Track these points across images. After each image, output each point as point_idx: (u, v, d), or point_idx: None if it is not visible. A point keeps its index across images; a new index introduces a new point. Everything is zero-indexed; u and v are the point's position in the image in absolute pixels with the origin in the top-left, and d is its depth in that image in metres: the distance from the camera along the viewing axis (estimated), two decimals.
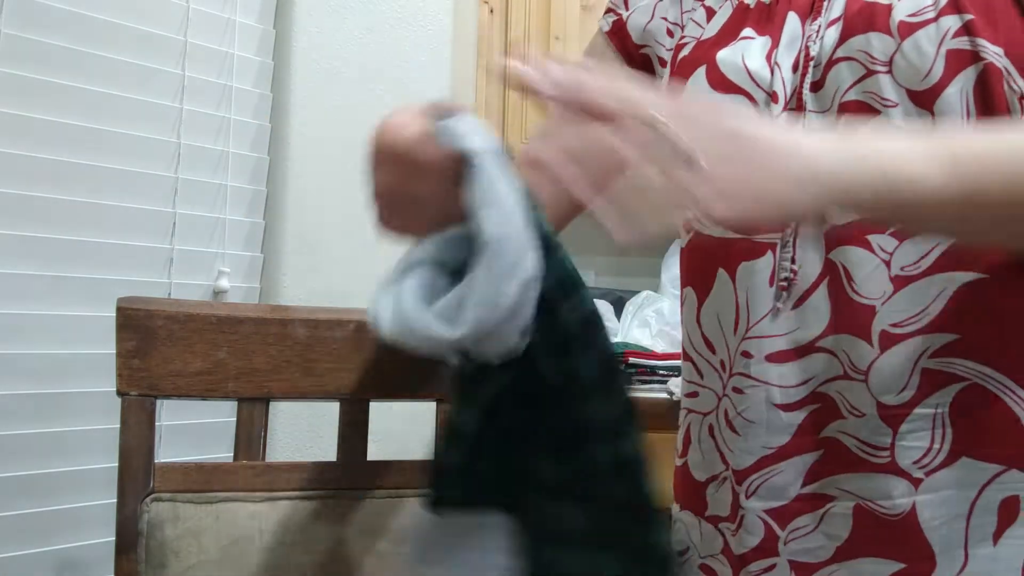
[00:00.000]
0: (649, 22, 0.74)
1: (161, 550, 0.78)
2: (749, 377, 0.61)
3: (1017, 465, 0.55)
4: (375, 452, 0.87)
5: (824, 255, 0.58)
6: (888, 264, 0.56)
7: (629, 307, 1.77)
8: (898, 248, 0.56)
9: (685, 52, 0.68)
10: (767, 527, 0.60)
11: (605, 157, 0.45)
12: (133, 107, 1.32)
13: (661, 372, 1.54)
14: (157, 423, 0.81)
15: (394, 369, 0.86)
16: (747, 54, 0.62)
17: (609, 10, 0.78)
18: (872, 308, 0.56)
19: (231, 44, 1.44)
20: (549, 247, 0.50)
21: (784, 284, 0.59)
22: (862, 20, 0.57)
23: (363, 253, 1.55)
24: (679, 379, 0.74)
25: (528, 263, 0.47)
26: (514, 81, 0.49)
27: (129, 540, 0.78)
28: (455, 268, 0.52)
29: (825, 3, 0.60)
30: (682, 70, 0.66)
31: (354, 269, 1.53)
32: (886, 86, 0.56)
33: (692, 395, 0.68)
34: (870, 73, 0.57)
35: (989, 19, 0.54)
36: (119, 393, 0.79)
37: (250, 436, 0.82)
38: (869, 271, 0.56)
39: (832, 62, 0.58)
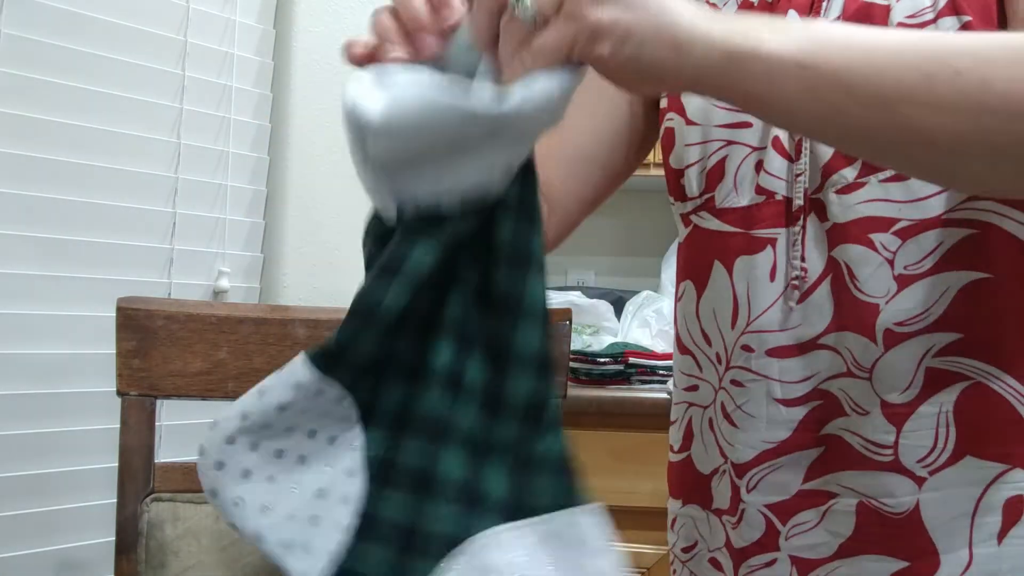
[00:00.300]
0: None
1: (161, 550, 0.78)
2: (750, 371, 0.61)
3: (1021, 464, 0.55)
4: None
5: (827, 252, 0.58)
6: (891, 263, 0.56)
7: (629, 307, 1.77)
8: (901, 247, 0.56)
9: None
10: (768, 522, 0.60)
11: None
12: (133, 107, 1.31)
13: (661, 372, 1.54)
14: (157, 423, 0.81)
15: None
16: None
17: None
18: (876, 306, 0.56)
19: (231, 44, 1.44)
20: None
21: (795, 283, 0.59)
22: (860, 20, 0.58)
23: (363, 253, 1.55)
24: None
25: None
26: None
27: (129, 540, 0.78)
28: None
29: (824, 2, 0.60)
30: None
31: (354, 269, 1.53)
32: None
33: (692, 388, 0.68)
34: None
35: (987, 20, 0.54)
36: (119, 393, 0.79)
37: None
38: (872, 269, 0.57)
39: None
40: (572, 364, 1.51)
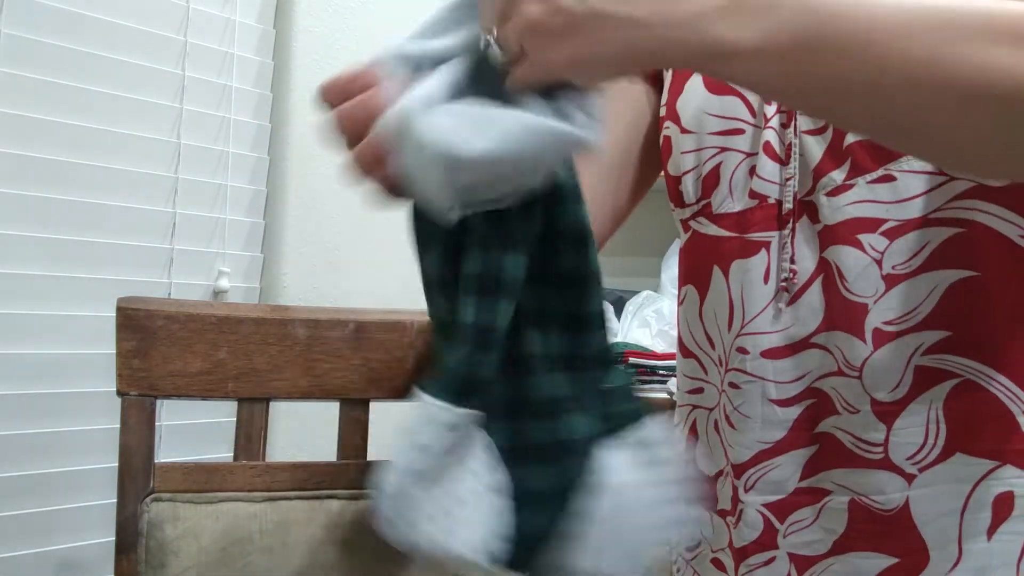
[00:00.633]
0: None
1: (161, 550, 0.78)
2: (745, 373, 0.61)
3: (1011, 461, 0.55)
4: (375, 452, 0.87)
5: (818, 254, 0.59)
6: (879, 263, 0.57)
7: (629, 307, 1.77)
8: (889, 247, 0.56)
9: None
10: (766, 520, 0.61)
11: None
12: (133, 107, 1.32)
13: (661, 372, 1.54)
14: (157, 423, 0.81)
15: (394, 369, 0.86)
16: None
17: None
18: (865, 306, 0.57)
19: (231, 44, 1.45)
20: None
21: (784, 285, 0.59)
22: None
23: (363, 253, 1.55)
24: None
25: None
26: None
27: (129, 540, 0.78)
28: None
29: None
30: (681, 73, 0.67)
31: (354, 269, 1.53)
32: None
33: (697, 391, 0.68)
34: None
35: None
36: (119, 393, 0.79)
37: (250, 436, 0.82)
38: (861, 270, 0.57)
39: None
40: None
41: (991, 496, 0.55)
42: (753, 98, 0.62)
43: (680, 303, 0.71)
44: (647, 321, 1.72)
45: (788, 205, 0.60)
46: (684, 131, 0.65)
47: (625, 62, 0.43)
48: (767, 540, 0.61)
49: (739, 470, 0.62)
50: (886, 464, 0.57)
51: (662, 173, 0.71)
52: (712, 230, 0.64)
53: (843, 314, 0.58)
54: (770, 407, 0.60)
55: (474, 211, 0.49)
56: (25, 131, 1.21)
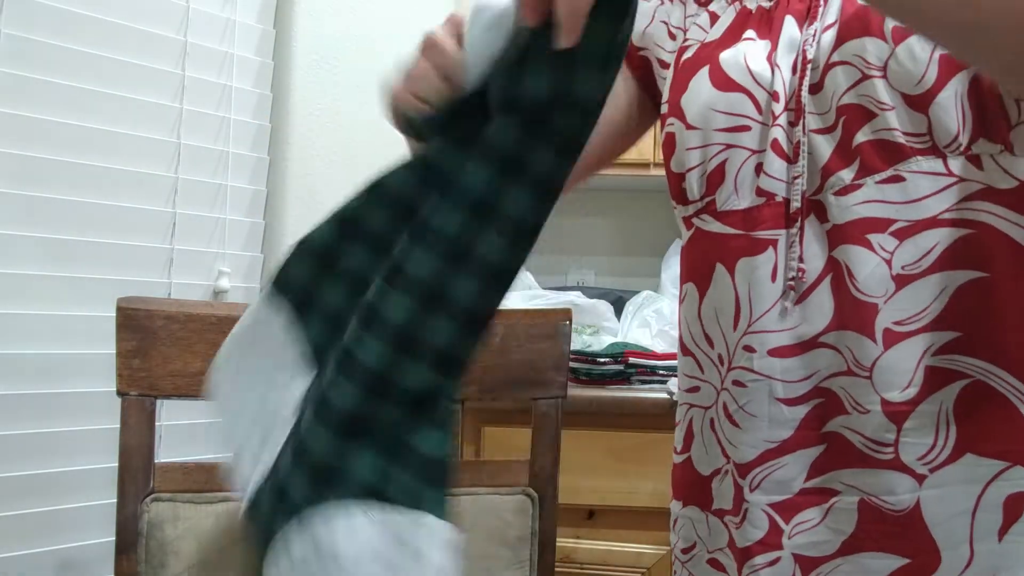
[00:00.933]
0: (648, 25, 0.75)
1: (161, 550, 0.78)
2: (751, 371, 0.61)
3: (1021, 462, 0.55)
4: None
5: (827, 253, 0.59)
6: (889, 263, 0.57)
7: (629, 307, 1.77)
8: (898, 247, 0.56)
9: (688, 54, 0.68)
10: (771, 520, 0.61)
11: None
12: (133, 107, 1.31)
13: (661, 372, 1.54)
14: (157, 423, 0.81)
15: None
16: (749, 55, 0.62)
17: None
18: (875, 306, 0.57)
19: (231, 44, 1.44)
20: None
21: (792, 283, 0.59)
22: (857, 25, 0.58)
23: None
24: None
25: None
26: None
27: (129, 540, 0.78)
28: None
29: (820, 8, 0.61)
30: (685, 71, 0.67)
31: None
32: (881, 90, 0.57)
33: (693, 390, 0.68)
34: (865, 77, 0.57)
35: None
36: (119, 393, 0.79)
37: None
38: (870, 269, 0.57)
39: (829, 66, 0.59)
40: (572, 364, 1.51)
41: (1002, 497, 0.55)
42: (760, 95, 0.62)
43: (681, 301, 0.70)
44: (647, 321, 1.72)
45: (796, 204, 0.59)
46: (689, 127, 0.65)
47: None
48: (772, 540, 0.61)
49: (744, 469, 0.62)
50: (897, 464, 0.56)
51: (663, 169, 0.71)
52: (716, 227, 0.64)
53: (853, 314, 0.58)
54: (777, 406, 0.60)
55: None
56: (25, 131, 1.21)
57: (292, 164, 1.49)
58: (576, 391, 1.44)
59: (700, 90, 0.64)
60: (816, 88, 0.60)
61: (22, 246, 1.21)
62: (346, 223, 0.58)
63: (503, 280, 0.49)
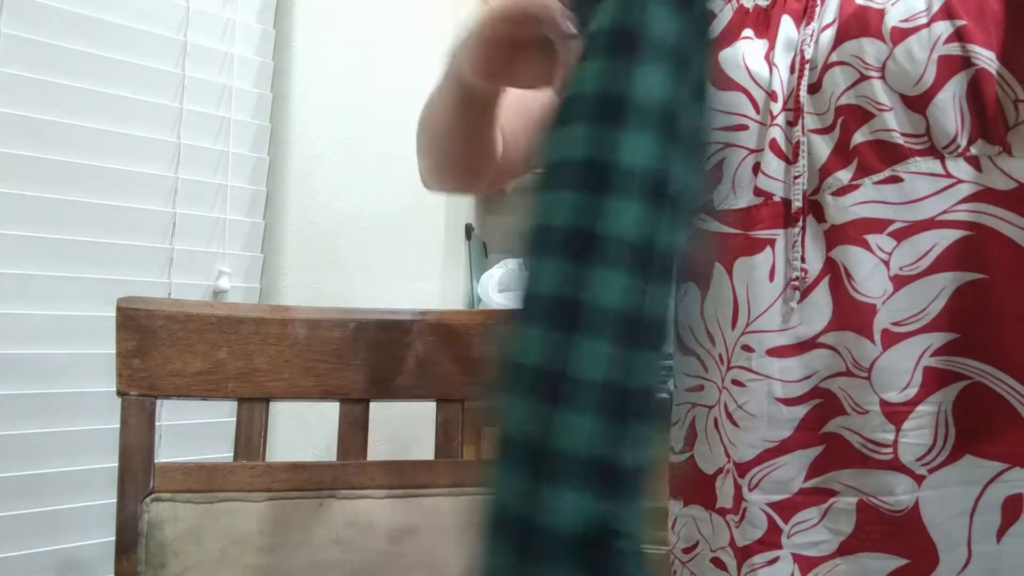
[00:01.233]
0: None
1: (161, 550, 0.78)
2: (750, 371, 0.61)
3: (1021, 463, 0.55)
4: (375, 452, 0.87)
5: (825, 254, 0.59)
6: (887, 264, 0.57)
7: None
8: (896, 248, 0.56)
9: None
10: (770, 520, 0.61)
11: None
12: (133, 107, 1.31)
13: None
14: (157, 423, 0.81)
15: (394, 369, 0.86)
16: (747, 54, 0.62)
17: None
18: (873, 306, 0.57)
19: (231, 44, 1.44)
20: None
21: (796, 284, 0.59)
22: (855, 25, 0.58)
23: (363, 253, 1.55)
24: None
25: None
26: None
27: (129, 540, 0.78)
28: None
29: (818, 8, 0.61)
30: None
31: (354, 269, 1.53)
32: (879, 91, 0.57)
33: (696, 388, 0.68)
34: (864, 78, 0.57)
35: (981, 24, 0.55)
36: (119, 393, 0.79)
37: (250, 436, 0.82)
38: (868, 270, 0.57)
39: (827, 66, 0.59)
40: None
41: (1001, 498, 0.55)
42: (758, 94, 0.62)
43: (679, 301, 0.70)
44: None
45: (797, 203, 0.59)
46: None
47: None
48: (771, 539, 0.61)
49: (743, 468, 0.62)
50: (896, 465, 0.56)
51: None
52: (714, 226, 0.64)
53: (851, 314, 0.58)
54: (776, 406, 0.60)
55: None
56: (25, 131, 1.21)
57: (292, 164, 1.49)
58: None
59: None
60: (814, 88, 0.60)
61: (22, 246, 1.20)
62: None
63: None
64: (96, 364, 1.24)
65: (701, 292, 0.66)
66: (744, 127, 0.62)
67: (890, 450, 0.57)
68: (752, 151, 0.62)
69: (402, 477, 0.85)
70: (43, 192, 1.22)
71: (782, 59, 0.61)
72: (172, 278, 1.36)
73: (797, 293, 0.59)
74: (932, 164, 0.56)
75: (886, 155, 0.57)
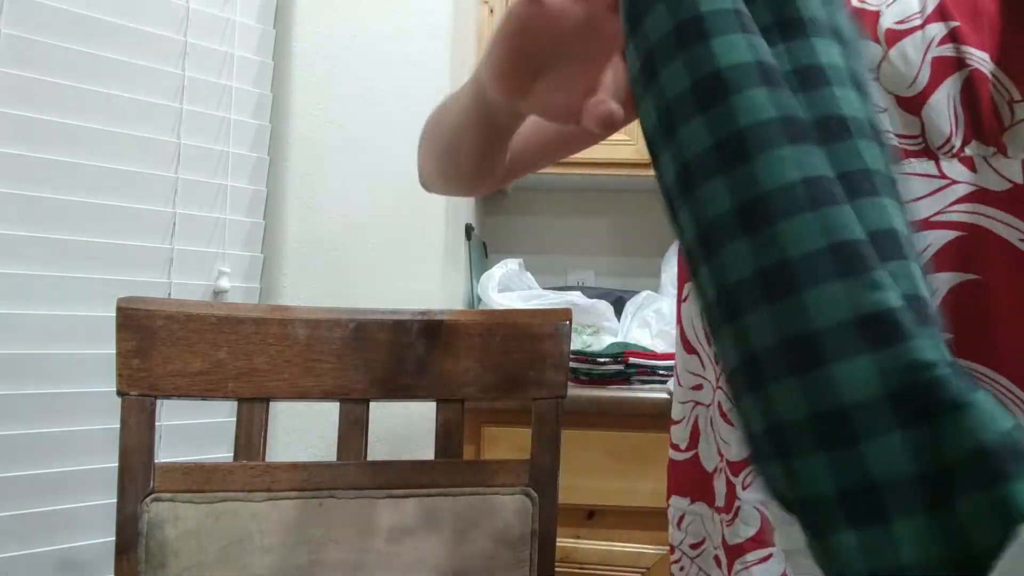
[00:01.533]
0: None
1: (161, 550, 0.78)
2: None
3: None
4: (375, 452, 0.87)
5: None
6: None
7: (629, 307, 1.77)
8: None
9: None
10: (763, 518, 0.61)
11: None
12: (133, 107, 1.32)
13: (661, 372, 1.54)
14: (157, 423, 0.81)
15: (394, 369, 0.86)
16: None
17: None
18: None
19: (231, 44, 1.44)
20: None
21: None
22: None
23: (363, 253, 1.55)
24: None
25: None
26: None
27: (129, 540, 0.78)
28: None
29: None
30: None
31: (354, 269, 1.53)
32: (874, 92, 0.57)
33: (698, 387, 0.69)
34: None
35: (976, 25, 0.55)
36: (119, 393, 0.79)
37: (250, 436, 0.82)
38: None
39: None
40: (572, 364, 1.51)
41: None
42: None
43: (683, 300, 0.71)
44: (647, 321, 1.72)
45: None
46: None
47: None
48: (764, 538, 0.61)
49: (736, 467, 0.63)
50: None
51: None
52: None
53: None
54: None
55: None
56: (25, 131, 1.21)
57: (292, 164, 1.49)
58: (576, 391, 1.44)
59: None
60: None
61: (22, 246, 1.21)
62: None
63: None
64: (96, 364, 1.24)
65: None
66: None
67: None
68: None
69: (402, 477, 0.85)
70: (43, 192, 1.23)
71: None
72: (172, 278, 1.36)
73: None
74: (927, 165, 0.56)
75: None
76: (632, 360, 1.53)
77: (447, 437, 0.87)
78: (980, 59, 0.54)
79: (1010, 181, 0.56)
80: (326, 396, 0.84)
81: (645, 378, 1.54)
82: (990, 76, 0.55)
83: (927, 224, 0.56)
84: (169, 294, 1.35)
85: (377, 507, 0.83)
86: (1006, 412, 0.32)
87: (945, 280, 0.56)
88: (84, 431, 1.24)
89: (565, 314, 0.89)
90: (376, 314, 0.87)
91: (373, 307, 0.88)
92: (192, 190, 1.39)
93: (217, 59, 1.43)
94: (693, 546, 0.71)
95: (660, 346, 1.64)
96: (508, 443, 1.45)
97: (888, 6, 0.57)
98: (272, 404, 0.84)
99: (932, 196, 0.56)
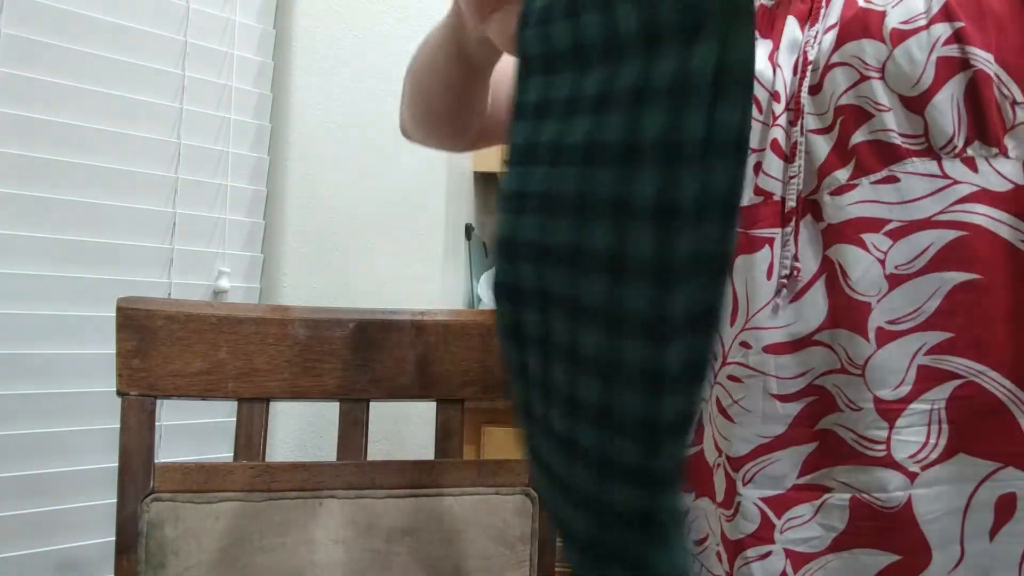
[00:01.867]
0: None
1: (161, 550, 0.78)
2: (747, 367, 0.62)
3: (1014, 463, 0.55)
4: (375, 452, 0.87)
5: (822, 252, 0.59)
6: (882, 263, 0.57)
7: None
8: (892, 247, 0.57)
9: None
10: (763, 515, 0.61)
11: None
12: (133, 107, 1.32)
13: None
14: (157, 423, 0.81)
15: (395, 369, 0.86)
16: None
17: None
18: (868, 304, 0.57)
19: (231, 44, 1.44)
20: None
21: (784, 281, 0.60)
22: (856, 26, 0.59)
23: (363, 253, 1.55)
24: None
25: None
26: None
27: (129, 540, 0.78)
28: None
29: (822, 9, 0.61)
30: None
31: (354, 269, 1.53)
32: (879, 91, 0.57)
33: None
34: (864, 78, 0.58)
35: (981, 25, 0.55)
36: (119, 393, 0.79)
37: (250, 436, 0.82)
38: (864, 269, 0.57)
39: (828, 67, 0.60)
40: None
41: (994, 497, 0.55)
42: (761, 95, 0.62)
43: None
44: None
45: (791, 203, 0.60)
46: None
47: None
48: (764, 534, 0.61)
49: (737, 463, 0.63)
50: (889, 462, 0.57)
51: None
52: None
53: (846, 312, 0.58)
54: (771, 402, 0.61)
55: None
56: (25, 131, 1.21)
57: (292, 164, 1.50)
58: None
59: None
60: (815, 89, 0.60)
61: (22, 246, 1.21)
62: None
63: None
64: (96, 364, 1.24)
65: None
66: None
67: (883, 447, 0.57)
68: (754, 150, 0.62)
69: (402, 477, 0.85)
70: (43, 192, 1.23)
71: (785, 60, 0.62)
72: (172, 278, 1.36)
73: (786, 292, 0.60)
74: (929, 165, 0.56)
75: (884, 155, 0.57)
76: None
77: (447, 437, 0.87)
78: (984, 60, 0.55)
79: (1011, 182, 0.56)
80: (326, 396, 0.85)
81: None
82: (994, 77, 0.55)
83: (928, 224, 0.56)
84: (169, 294, 1.35)
85: (377, 507, 0.83)
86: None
87: (945, 280, 0.56)
88: (84, 431, 1.24)
89: None
90: (376, 314, 0.87)
91: (373, 307, 0.88)
92: (192, 190, 1.39)
93: (217, 59, 1.43)
94: (697, 543, 0.71)
95: None
96: (508, 443, 1.45)
97: (894, 6, 0.58)
98: (272, 404, 0.84)
99: (934, 196, 0.56)
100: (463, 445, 0.88)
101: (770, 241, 0.61)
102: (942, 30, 0.55)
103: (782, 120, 0.61)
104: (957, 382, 0.56)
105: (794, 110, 0.60)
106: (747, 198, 0.63)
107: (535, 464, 0.50)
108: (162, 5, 1.36)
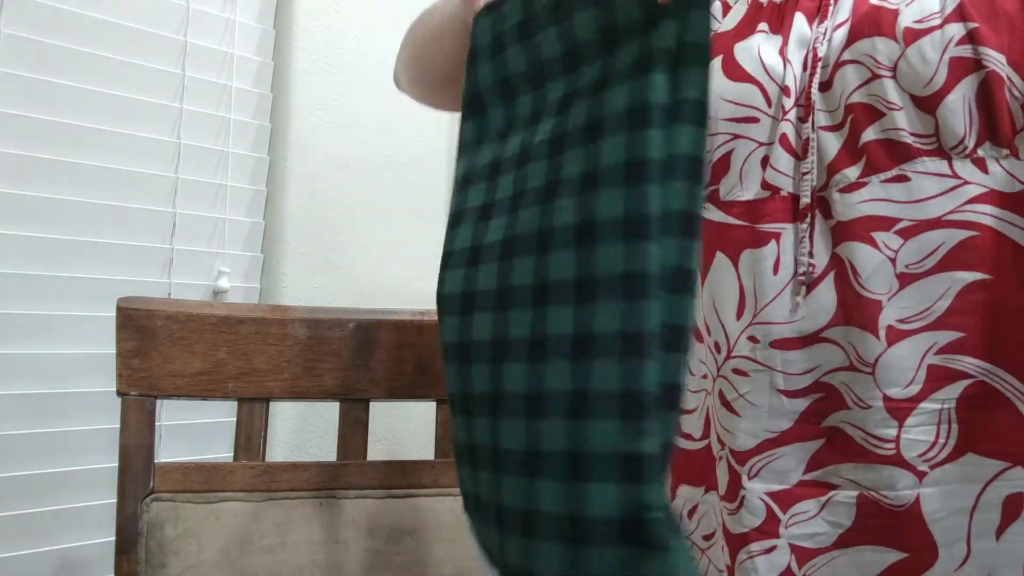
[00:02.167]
0: None
1: (161, 550, 0.78)
2: (755, 361, 0.62)
3: (1022, 463, 0.55)
4: (375, 452, 0.87)
5: (831, 249, 0.59)
6: (893, 261, 0.57)
7: None
8: (902, 246, 0.57)
9: None
10: (768, 509, 0.61)
11: None
12: (133, 107, 1.31)
13: None
14: (157, 423, 0.81)
15: (394, 369, 0.86)
16: (763, 48, 0.63)
17: None
18: (878, 303, 0.57)
19: (231, 44, 1.44)
20: None
21: (803, 278, 0.60)
22: (868, 24, 0.58)
23: (363, 253, 1.55)
24: None
25: None
26: None
27: (129, 540, 0.78)
28: None
29: (831, 6, 0.61)
30: None
31: (354, 269, 1.53)
32: (891, 90, 0.57)
33: (704, 376, 0.69)
34: (875, 77, 0.58)
35: (994, 26, 0.55)
36: (119, 393, 0.79)
37: (250, 436, 0.82)
38: (875, 267, 0.57)
39: (839, 64, 0.59)
40: None
41: (1001, 497, 0.55)
42: (771, 89, 0.62)
43: None
44: None
45: (806, 199, 0.60)
46: None
47: None
48: (769, 529, 0.61)
49: (742, 457, 0.62)
50: (897, 460, 0.57)
51: None
52: (719, 216, 0.64)
53: (856, 310, 0.58)
54: (777, 397, 0.61)
55: None
56: (25, 131, 1.21)
57: (292, 164, 1.49)
58: None
59: (712, 78, 0.65)
60: (826, 86, 0.60)
61: (22, 246, 1.21)
62: None
63: None
64: (96, 364, 1.24)
65: (700, 280, 0.66)
66: (755, 119, 0.62)
67: (892, 445, 0.57)
68: (762, 144, 0.62)
69: (402, 477, 0.85)
70: (43, 192, 1.23)
71: (795, 55, 0.62)
72: (172, 278, 1.36)
73: (804, 288, 0.60)
74: (939, 164, 0.56)
75: (895, 154, 0.57)
76: None
77: (447, 437, 0.87)
78: (997, 61, 0.55)
79: (1021, 183, 0.56)
80: (326, 396, 0.85)
81: None
82: (1006, 78, 0.55)
83: (939, 223, 0.56)
84: (169, 294, 1.35)
85: (377, 507, 0.83)
86: (692, 560, 0.45)
87: (956, 279, 0.56)
88: (84, 431, 1.24)
89: None
90: (376, 314, 0.87)
91: (373, 307, 0.88)
92: (192, 190, 1.39)
93: (217, 59, 1.43)
94: (705, 537, 0.70)
95: None
96: None
97: (907, 5, 0.57)
98: (272, 404, 0.84)
99: (944, 196, 0.56)
100: None
101: (776, 236, 0.61)
102: (956, 30, 0.55)
103: (792, 115, 0.61)
104: (967, 381, 0.56)
105: (805, 106, 0.60)
106: (753, 192, 0.63)
107: (478, 518, 0.56)
108: (162, 5, 1.35)
